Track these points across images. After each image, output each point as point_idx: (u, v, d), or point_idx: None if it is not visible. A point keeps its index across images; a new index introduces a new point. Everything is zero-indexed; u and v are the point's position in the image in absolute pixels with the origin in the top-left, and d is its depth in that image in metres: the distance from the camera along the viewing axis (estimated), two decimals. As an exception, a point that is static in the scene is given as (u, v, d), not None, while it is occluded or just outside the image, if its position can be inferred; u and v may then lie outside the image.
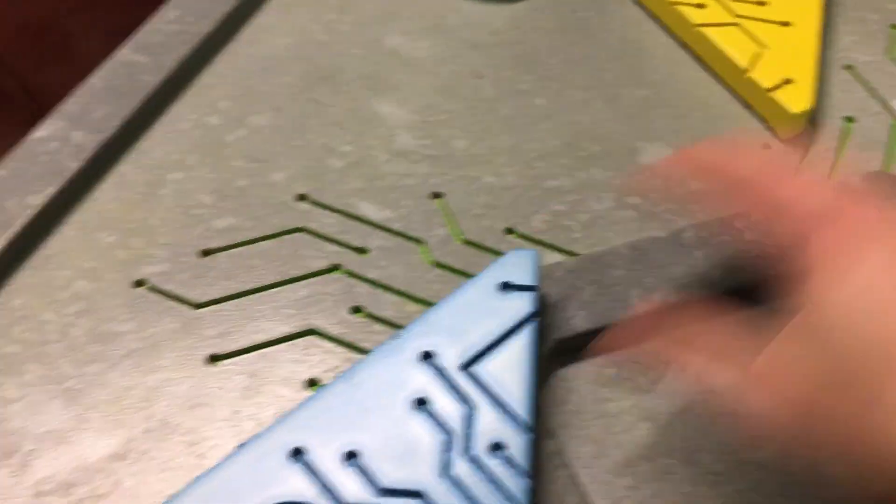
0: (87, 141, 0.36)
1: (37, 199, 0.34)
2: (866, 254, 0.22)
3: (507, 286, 0.30)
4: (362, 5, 0.44)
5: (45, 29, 0.84)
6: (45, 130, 0.37)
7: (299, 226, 0.35)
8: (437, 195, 0.37)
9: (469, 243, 0.35)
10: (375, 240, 0.35)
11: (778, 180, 0.25)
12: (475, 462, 0.26)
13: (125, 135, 0.37)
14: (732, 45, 0.40)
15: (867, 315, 0.21)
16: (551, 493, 0.27)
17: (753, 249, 0.32)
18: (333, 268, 0.34)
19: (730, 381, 0.24)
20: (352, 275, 0.34)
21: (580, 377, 0.31)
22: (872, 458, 0.21)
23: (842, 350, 0.21)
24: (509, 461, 0.26)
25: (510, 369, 0.28)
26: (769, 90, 0.38)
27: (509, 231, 0.35)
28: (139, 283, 0.33)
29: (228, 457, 0.27)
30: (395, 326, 0.32)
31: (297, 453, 0.27)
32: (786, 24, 0.40)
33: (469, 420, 0.27)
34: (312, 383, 0.31)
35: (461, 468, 0.26)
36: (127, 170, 0.37)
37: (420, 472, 0.26)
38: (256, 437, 0.27)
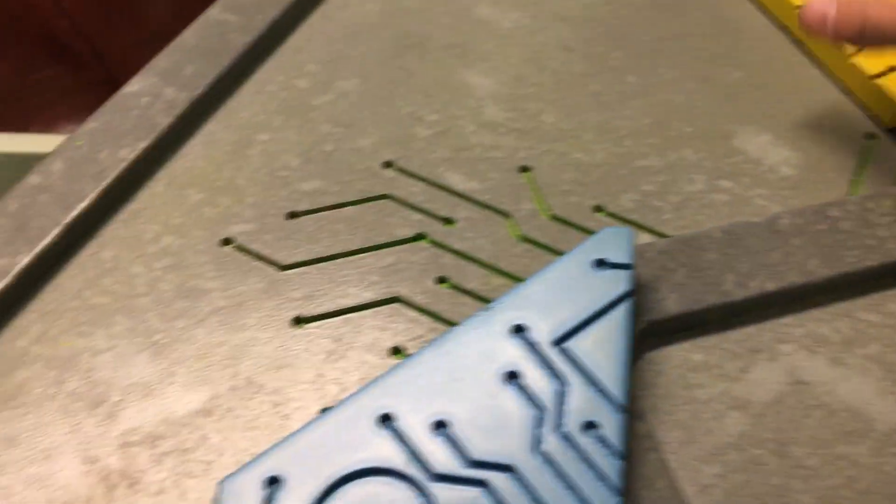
0: (177, 97, 0.36)
1: (128, 153, 0.34)
2: None
3: (601, 263, 0.29)
4: (452, -27, 0.43)
5: (114, -8, 0.85)
6: (136, 85, 0.37)
7: (385, 193, 0.35)
8: (524, 169, 0.36)
9: (556, 219, 0.34)
10: (462, 211, 0.35)
11: None
12: (567, 439, 0.26)
13: (214, 93, 0.37)
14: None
15: None
16: (641, 477, 0.27)
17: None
18: (419, 237, 0.34)
19: None
20: (437, 245, 0.34)
21: (669, 361, 0.31)
22: None
23: None
24: (602, 441, 0.26)
25: (604, 348, 0.27)
26: (874, 77, 0.37)
27: (598, 209, 0.35)
28: (226, 242, 0.33)
29: (318, 417, 0.27)
30: (481, 299, 0.32)
31: (386, 419, 0.27)
32: None
33: (561, 396, 0.27)
34: (396, 351, 0.31)
35: (553, 445, 0.26)
36: (215, 128, 0.37)
37: (510, 446, 0.26)
38: (345, 400, 0.27)
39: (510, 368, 0.27)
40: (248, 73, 0.39)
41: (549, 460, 0.25)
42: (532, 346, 0.28)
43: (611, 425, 0.26)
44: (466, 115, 0.38)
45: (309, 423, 0.27)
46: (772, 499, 0.28)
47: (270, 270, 0.33)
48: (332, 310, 0.32)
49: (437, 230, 0.34)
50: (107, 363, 0.30)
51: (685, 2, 0.43)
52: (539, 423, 0.26)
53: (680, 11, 0.42)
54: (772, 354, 0.31)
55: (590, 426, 0.26)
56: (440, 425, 0.26)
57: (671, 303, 0.31)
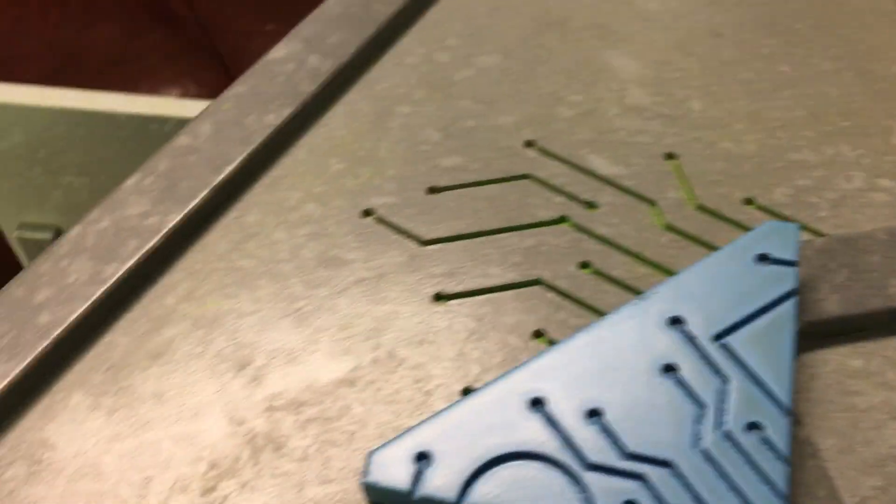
0: (322, 65, 0.36)
1: (274, 119, 0.34)
2: None
3: (765, 258, 0.28)
4: (596, -49, 0.42)
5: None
6: (281, 51, 0.37)
7: (526, 172, 0.34)
8: (670, 156, 0.35)
9: (703, 210, 0.33)
10: (605, 195, 0.34)
11: None
12: (729, 439, 0.25)
13: (356, 63, 0.37)
14: None
15: None
16: (800, 484, 0.26)
17: None
18: (561, 219, 0.33)
19: None
20: (580, 229, 0.33)
21: (825, 365, 0.29)
22: None
23: None
24: (767, 443, 0.25)
25: (767, 347, 0.26)
26: None
27: (748, 202, 0.33)
28: (367, 213, 0.33)
29: (467, 396, 0.26)
30: (626, 287, 0.31)
31: (537, 403, 0.26)
32: None
33: (722, 393, 0.26)
34: (539, 335, 0.30)
35: (713, 443, 0.25)
36: (356, 98, 0.37)
37: (668, 441, 0.25)
38: (495, 381, 0.27)
39: (667, 361, 0.26)
40: (388, 44, 0.38)
41: (709, 459, 0.25)
42: (690, 340, 0.27)
43: (776, 428, 0.25)
44: (610, 98, 0.37)
45: (458, 402, 0.26)
46: (936, 517, 0.26)
47: (411, 244, 0.32)
48: (473, 288, 0.31)
49: (579, 214, 0.33)
50: (252, 326, 0.30)
51: (841, -10, 0.41)
52: (699, 419, 0.25)
53: (837, 0, 0.41)
54: (935, 365, 0.29)
55: (753, 427, 0.25)
56: (594, 413, 0.26)
57: (832, 304, 0.29)
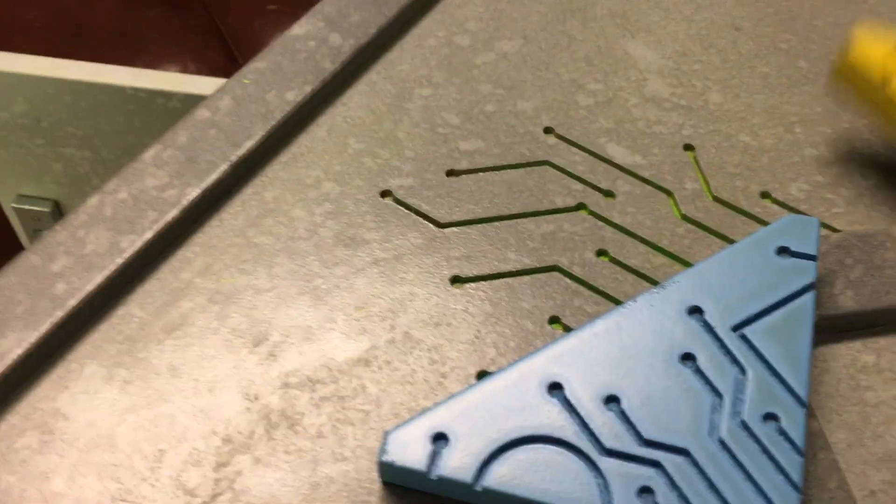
0: (342, 44, 0.36)
1: (295, 96, 0.34)
2: None
3: (784, 251, 0.28)
4: (617, -60, 0.42)
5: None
6: (302, 28, 0.37)
7: (545, 159, 0.34)
8: (688, 147, 0.35)
9: (721, 202, 0.33)
10: (623, 184, 0.34)
11: None
12: (746, 429, 0.25)
13: (377, 43, 0.37)
14: None
15: None
16: (812, 476, 0.26)
17: None
18: (579, 206, 0.33)
19: None
20: (597, 217, 0.33)
21: (838, 359, 0.29)
22: None
23: None
24: (783, 434, 0.25)
25: (785, 339, 0.26)
26: None
27: (765, 195, 0.34)
28: (385, 194, 0.33)
29: (485, 379, 0.26)
30: (642, 276, 0.31)
31: (556, 388, 0.26)
32: None
33: (739, 384, 0.26)
34: (555, 320, 0.30)
35: (729, 432, 0.25)
36: (376, 78, 0.37)
37: (685, 429, 0.25)
38: (513, 364, 0.27)
39: (685, 350, 0.27)
40: (409, 26, 0.38)
41: (726, 448, 0.25)
42: (709, 329, 0.27)
43: (792, 419, 0.25)
44: (629, 87, 0.37)
45: (475, 384, 0.27)
46: (944, 513, 0.27)
47: (429, 227, 0.32)
48: (490, 272, 0.31)
49: (597, 202, 0.33)
50: (268, 303, 0.30)
51: (860, -12, 0.41)
52: (715, 408, 0.25)
53: (855, -2, 0.41)
54: (946, 364, 0.29)
55: (769, 417, 0.25)
56: (611, 399, 0.26)
57: (846, 299, 0.29)
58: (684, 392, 0.26)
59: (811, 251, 0.28)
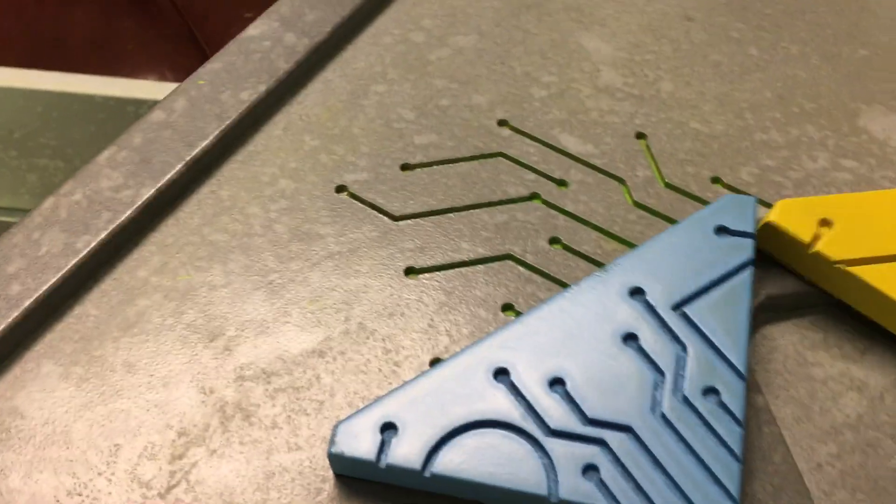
0: (297, 43, 0.37)
1: (249, 95, 0.35)
2: None
3: (722, 230, 0.29)
4: (571, -65, 0.43)
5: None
6: (257, 29, 0.37)
7: (499, 151, 0.35)
8: (640, 135, 0.36)
9: (672, 188, 0.34)
10: (576, 173, 0.34)
11: None
12: (687, 403, 0.25)
13: (332, 42, 0.38)
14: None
15: None
16: (758, 449, 0.26)
17: None
18: (532, 196, 0.34)
19: None
20: (550, 206, 0.33)
21: (786, 337, 0.30)
22: None
23: None
24: (723, 407, 0.25)
25: (724, 315, 0.27)
26: None
27: (715, 180, 0.34)
28: (340, 189, 0.34)
29: (433, 368, 0.27)
30: (594, 262, 0.32)
31: (502, 373, 0.26)
32: None
33: (680, 360, 0.26)
34: (508, 307, 0.31)
35: (672, 408, 0.25)
36: (332, 76, 0.37)
37: (628, 407, 0.25)
38: (461, 352, 0.27)
39: (628, 330, 0.27)
40: (364, 24, 0.39)
41: (668, 423, 0.25)
42: (650, 309, 0.27)
43: (731, 392, 0.25)
44: (582, 79, 0.37)
45: (424, 373, 0.27)
46: (888, 482, 0.27)
47: (384, 220, 0.33)
48: (444, 262, 0.32)
49: (550, 191, 0.34)
50: (223, 298, 0.30)
51: (811, -24, 0.42)
52: (657, 385, 0.26)
53: (805, -14, 0.41)
54: (894, 337, 0.30)
55: (709, 391, 0.26)
56: (556, 382, 0.26)
57: (792, 279, 0.30)
58: (627, 371, 0.26)
59: (749, 229, 0.28)
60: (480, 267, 0.32)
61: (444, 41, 0.39)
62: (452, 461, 0.25)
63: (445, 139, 0.35)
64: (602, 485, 0.24)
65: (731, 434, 0.25)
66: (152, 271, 0.31)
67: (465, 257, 0.32)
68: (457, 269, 0.32)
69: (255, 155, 0.34)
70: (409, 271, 0.31)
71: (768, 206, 0.33)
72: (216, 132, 0.33)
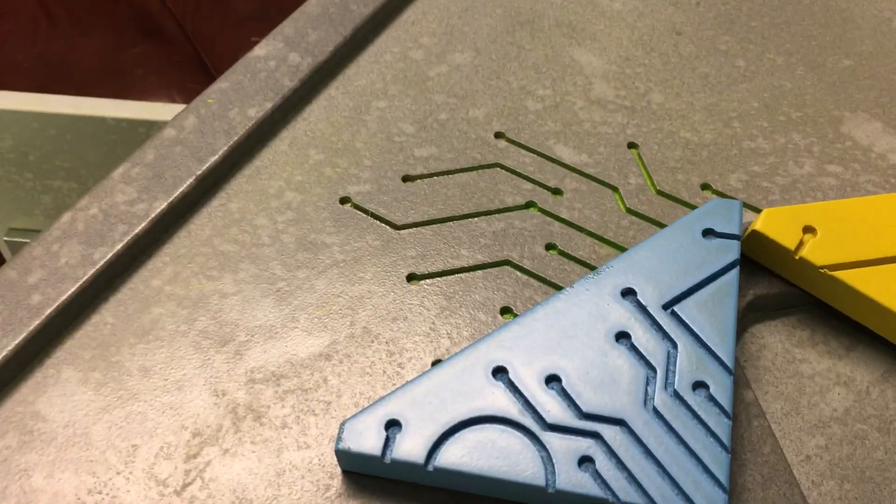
0: (301, 62, 0.38)
1: (256, 112, 0.36)
2: None
3: (710, 232, 0.30)
4: (563, -45, 0.44)
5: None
6: (263, 49, 0.39)
7: (496, 162, 0.36)
8: (632, 145, 0.37)
9: (663, 194, 0.35)
10: (570, 182, 0.36)
11: None
12: (677, 397, 0.27)
13: (335, 60, 0.39)
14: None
15: None
16: (748, 442, 0.28)
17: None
18: (529, 205, 0.35)
19: None
20: (546, 213, 0.35)
21: (774, 334, 0.31)
22: None
23: None
24: (712, 400, 0.26)
25: (712, 313, 0.28)
26: None
27: (705, 187, 0.35)
28: (344, 200, 0.35)
29: (434, 367, 0.28)
30: (589, 266, 0.33)
31: (500, 371, 0.28)
32: None
33: (671, 357, 0.27)
34: (506, 311, 0.32)
35: (663, 402, 0.27)
36: (335, 93, 0.39)
37: (621, 401, 0.27)
38: (460, 352, 0.28)
39: (620, 329, 0.28)
40: (365, 43, 0.40)
41: (659, 416, 0.26)
42: (641, 309, 0.29)
43: (719, 386, 0.27)
44: (576, 92, 0.39)
45: (426, 373, 0.28)
46: (874, 472, 0.28)
47: (386, 229, 0.34)
48: (444, 269, 0.33)
49: (546, 199, 0.35)
50: (234, 306, 0.32)
51: (796, -10, 0.43)
52: (649, 380, 0.27)
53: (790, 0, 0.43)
54: (877, 334, 0.31)
55: (699, 386, 0.27)
56: (552, 379, 0.27)
57: (779, 280, 0.31)
58: (620, 368, 0.27)
59: (734, 231, 0.29)
60: (479, 272, 0.33)
61: (442, 58, 0.40)
62: (454, 455, 0.26)
63: (445, 151, 0.37)
64: (597, 475, 0.26)
65: (720, 425, 0.26)
66: (166, 281, 0.32)
67: (464, 263, 0.33)
68: (457, 275, 0.33)
69: (263, 169, 0.36)
70: (411, 277, 0.33)
71: (757, 210, 0.34)
72: (225, 148, 0.35)
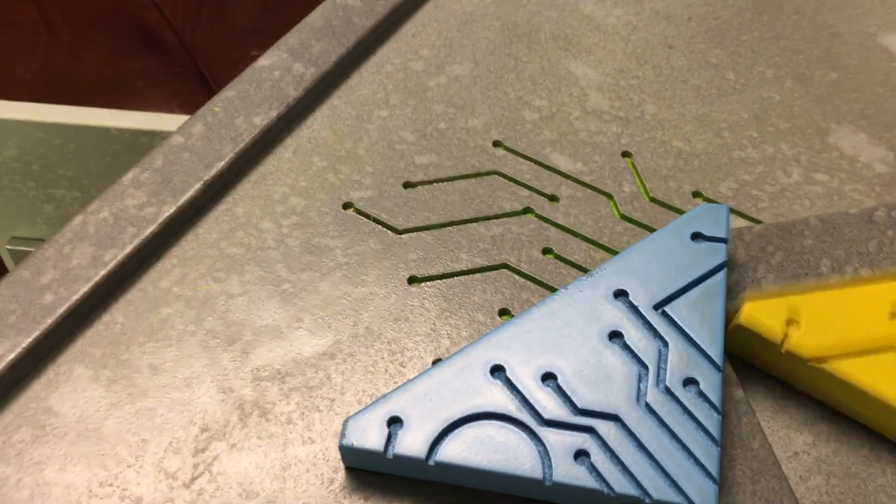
0: (305, 72, 0.39)
1: (261, 120, 0.37)
2: None
3: (698, 236, 0.31)
4: (559, -30, 0.46)
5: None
6: (268, 59, 0.40)
7: (494, 169, 0.37)
8: (626, 154, 0.38)
9: (656, 201, 0.36)
10: (566, 189, 0.37)
11: None
12: (668, 393, 0.28)
13: (338, 70, 0.40)
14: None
15: None
16: (738, 437, 0.29)
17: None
18: (526, 211, 0.36)
19: None
20: (543, 219, 0.36)
21: (762, 336, 0.32)
22: None
23: None
24: (702, 396, 0.27)
25: (701, 313, 0.29)
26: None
27: (696, 194, 0.37)
28: (347, 206, 0.36)
29: (434, 366, 0.29)
30: (584, 270, 0.34)
31: (498, 370, 0.29)
32: None
33: (662, 355, 0.28)
34: (504, 312, 0.33)
35: (655, 397, 0.28)
36: (338, 103, 0.40)
37: (615, 398, 0.28)
38: (459, 352, 0.29)
39: (613, 328, 0.29)
40: (367, 54, 0.42)
41: (651, 411, 0.27)
42: (633, 309, 0.30)
43: (709, 382, 0.28)
44: (571, 102, 0.40)
45: (426, 371, 0.29)
46: (860, 468, 0.29)
47: (388, 233, 0.35)
48: (444, 272, 0.34)
49: (542, 206, 0.36)
50: (240, 306, 0.33)
51: (783, 5, 0.45)
52: (641, 377, 0.28)
53: (778, 14, 0.44)
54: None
55: (689, 382, 0.28)
56: (548, 377, 0.28)
57: (768, 282, 0.32)
58: (613, 366, 0.28)
59: (722, 234, 0.31)
60: (478, 275, 0.34)
61: (442, 69, 0.41)
62: (454, 450, 0.27)
63: (444, 159, 0.38)
64: (592, 468, 0.27)
65: (710, 420, 0.27)
66: (174, 282, 0.33)
67: (463, 267, 0.34)
68: (456, 278, 0.34)
69: (268, 175, 0.37)
70: (412, 280, 0.34)
71: (748, 217, 0.36)
72: (231, 154, 0.36)
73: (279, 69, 0.39)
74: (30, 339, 0.31)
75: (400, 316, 0.33)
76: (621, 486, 0.26)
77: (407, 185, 0.37)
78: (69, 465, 0.29)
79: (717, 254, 0.30)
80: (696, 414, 0.27)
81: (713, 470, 0.26)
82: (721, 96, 0.40)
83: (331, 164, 0.37)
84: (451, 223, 0.36)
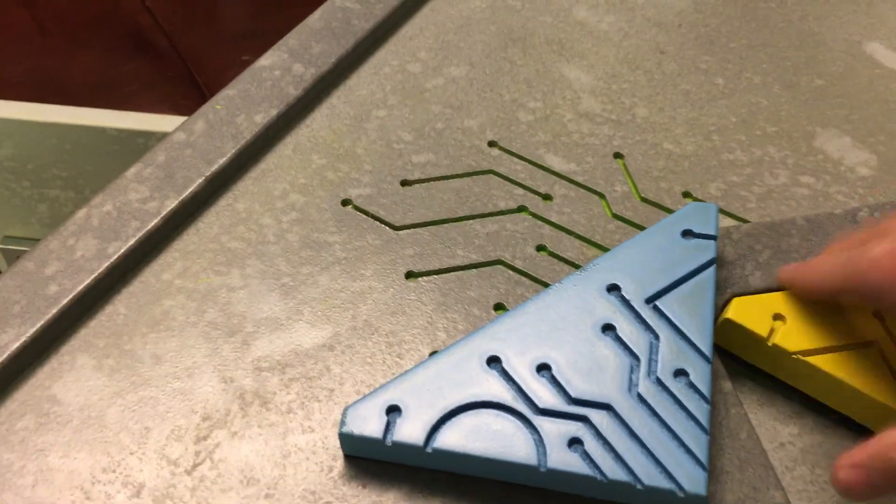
0: (305, 73, 0.40)
1: (262, 118, 0.38)
2: None
3: (688, 233, 0.32)
4: (553, -23, 0.47)
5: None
6: (268, 59, 0.41)
7: (490, 169, 0.38)
8: (618, 155, 0.39)
9: (647, 201, 0.37)
10: (560, 189, 0.38)
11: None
12: (659, 384, 0.28)
13: (337, 71, 0.41)
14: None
15: None
16: (726, 428, 0.29)
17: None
18: (520, 209, 0.37)
19: None
20: (537, 217, 0.37)
21: (750, 332, 0.33)
22: None
23: None
24: (691, 386, 0.28)
25: (691, 307, 0.30)
26: (953, 89, 0.39)
27: (686, 194, 0.38)
28: (346, 203, 0.37)
29: (432, 357, 0.30)
30: (577, 266, 0.35)
31: (494, 361, 0.30)
32: None
33: (653, 347, 0.29)
34: (499, 306, 0.34)
35: (646, 388, 0.28)
36: (337, 102, 0.41)
37: (608, 388, 0.29)
38: (456, 343, 0.30)
39: (606, 321, 0.30)
40: (366, 56, 0.42)
41: (643, 401, 0.28)
42: (626, 303, 0.30)
43: (698, 373, 0.29)
44: (565, 105, 0.41)
45: (424, 362, 0.30)
46: (843, 459, 0.30)
47: (386, 230, 0.36)
48: (441, 267, 0.35)
49: (536, 204, 0.37)
50: (241, 299, 0.33)
51: (771, 14, 0.46)
52: (633, 368, 0.29)
53: (766, 23, 0.45)
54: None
55: (679, 373, 0.29)
56: (543, 367, 0.29)
57: (755, 279, 0.33)
58: (606, 357, 0.29)
59: (711, 232, 0.32)
60: (474, 271, 0.35)
61: (439, 71, 0.42)
62: (452, 438, 0.28)
63: (441, 158, 0.39)
64: (586, 455, 0.27)
65: (700, 409, 0.28)
66: (176, 275, 0.34)
67: (460, 262, 0.35)
68: (453, 273, 0.35)
69: (268, 172, 0.38)
70: (410, 275, 0.35)
71: (736, 217, 0.37)
72: (232, 151, 0.37)
73: (280, 69, 0.40)
74: (34, 329, 0.31)
75: (397, 309, 0.33)
76: (614, 472, 0.27)
77: (404, 183, 0.38)
78: (72, 452, 0.29)
79: (707, 250, 0.31)
80: (686, 404, 0.28)
81: (703, 457, 0.27)
82: (710, 101, 0.41)
83: (330, 162, 0.38)
84: (448, 220, 0.36)
